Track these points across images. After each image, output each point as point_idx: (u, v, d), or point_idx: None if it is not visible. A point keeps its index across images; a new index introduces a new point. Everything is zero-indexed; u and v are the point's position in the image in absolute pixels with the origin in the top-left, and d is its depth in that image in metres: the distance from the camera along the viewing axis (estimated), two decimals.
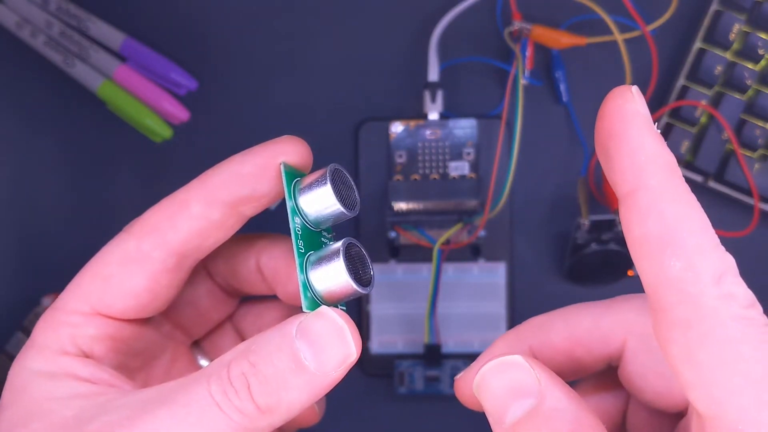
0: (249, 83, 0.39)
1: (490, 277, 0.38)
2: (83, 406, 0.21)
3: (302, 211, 0.23)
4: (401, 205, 0.37)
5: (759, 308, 0.18)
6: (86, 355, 0.23)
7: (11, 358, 0.38)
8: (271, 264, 0.27)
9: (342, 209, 0.22)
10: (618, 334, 0.22)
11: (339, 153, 0.39)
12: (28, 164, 0.40)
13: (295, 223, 0.22)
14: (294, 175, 0.23)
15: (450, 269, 0.38)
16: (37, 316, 0.37)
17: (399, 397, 0.38)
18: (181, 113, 0.39)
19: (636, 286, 0.39)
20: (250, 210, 0.24)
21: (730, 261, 0.18)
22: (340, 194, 0.22)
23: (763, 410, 0.17)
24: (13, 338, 0.38)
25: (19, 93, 0.40)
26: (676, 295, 0.18)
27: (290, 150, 0.23)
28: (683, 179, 0.19)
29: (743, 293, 0.18)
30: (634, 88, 0.19)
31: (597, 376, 0.25)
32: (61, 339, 0.23)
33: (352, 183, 0.23)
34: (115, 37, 0.39)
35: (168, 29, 0.39)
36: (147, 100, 0.38)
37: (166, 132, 0.39)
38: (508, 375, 0.19)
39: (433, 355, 0.37)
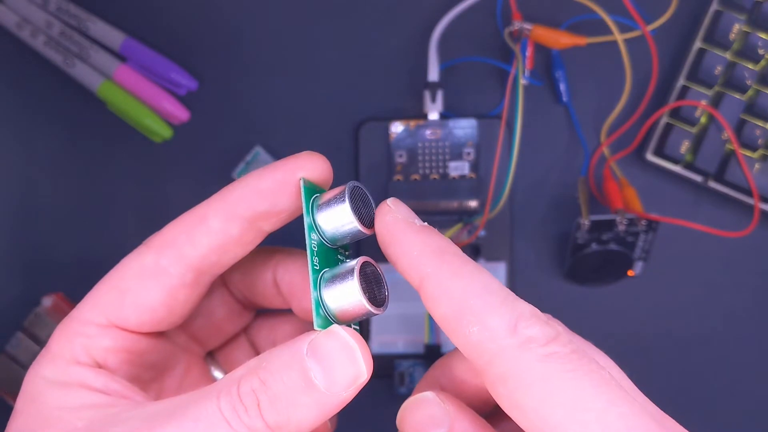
0: (249, 83, 0.39)
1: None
2: (93, 417, 0.21)
3: (319, 227, 0.22)
4: None
5: (561, 339, 0.19)
6: (100, 366, 0.23)
7: (11, 358, 0.38)
8: (287, 278, 0.26)
9: (359, 227, 0.22)
10: None
11: (339, 153, 0.39)
12: (28, 164, 0.40)
13: (311, 240, 0.22)
14: (313, 191, 0.23)
15: None
16: (38, 317, 0.38)
17: (399, 397, 0.38)
18: (181, 113, 0.39)
19: (637, 287, 0.39)
20: (269, 225, 0.24)
21: (521, 308, 0.20)
22: (359, 212, 0.22)
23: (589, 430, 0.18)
24: (13, 338, 0.38)
25: (20, 93, 0.40)
26: (485, 356, 0.19)
27: (310, 166, 0.23)
28: (457, 254, 0.21)
29: (540, 333, 0.19)
30: (390, 201, 0.22)
31: None
32: (75, 349, 0.23)
33: (372, 201, 0.23)
34: (115, 37, 0.39)
35: (168, 29, 0.39)
36: (147, 100, 0.38)
37: (166, 132, 0.39)
38: (422, 410, 0.21)
39: (433, 355, 0.37)
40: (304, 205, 0.22)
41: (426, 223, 0.22)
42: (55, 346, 0.23)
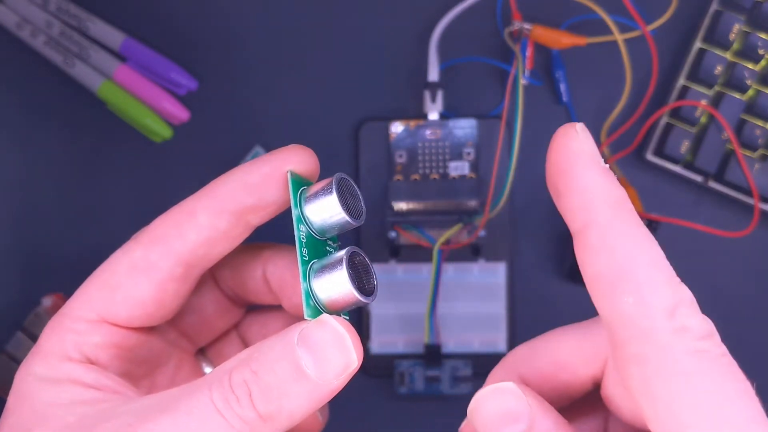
0: (249, 84, 0.39)
1: (490, 277, 0.38)
2: (86, 413, 0.21)
3: (308, 219, 0.23)
4: (401, 205, 0.36)
5: (715, 339, 0.18)
6: (91, 362, 0.23)
7: (11, 358, 0.38)
8: (276, 274, 0.27)
9: (347, 218, 0.22)
10: (599, 355, 0.22)
11: (339, 153, 0.39)
12: (28, 164, 0.40)
13: (299, 232, 0.22)
14: (300, 183, 0.23)
15: (450, 269, 0.38)
16: (38, 317, 0.37)
17: (399, 397, 0.38)
18: (181, 113, 0.39)
19: None
20: (257, 219, 0.24)
21: (684, 293, 0.18)
22: (346, 203, 0.22)
23: None
24: (13, 338, 0.38)
25: (19, 93, 0.40)
26: (631, 331, 0.18)
27: (297, 159, 0.23)
28: (634, 212, 0.19)
29: (698, 325, 0.18)
30: (579, 126, 0.19)
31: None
32: (66, 345, 0.23)
33: (358, 192, 0.23)
34: (115, 37, 0.39)
35: (168, 29, 0.39)
36: (147, 100, 0.38)
37: (166, 132, 0.39)
38: (501, 401, 0.20)
39: (433, 356, 0.37)
40: (291, 197, 0.23)
41: (608, 166, 0.19)
42: (46, 343, 0.23)
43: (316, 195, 0.22)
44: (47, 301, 0.38)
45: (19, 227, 0.40)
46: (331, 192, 0.22)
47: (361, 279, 0.22)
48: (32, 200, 0.40)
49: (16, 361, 0.38)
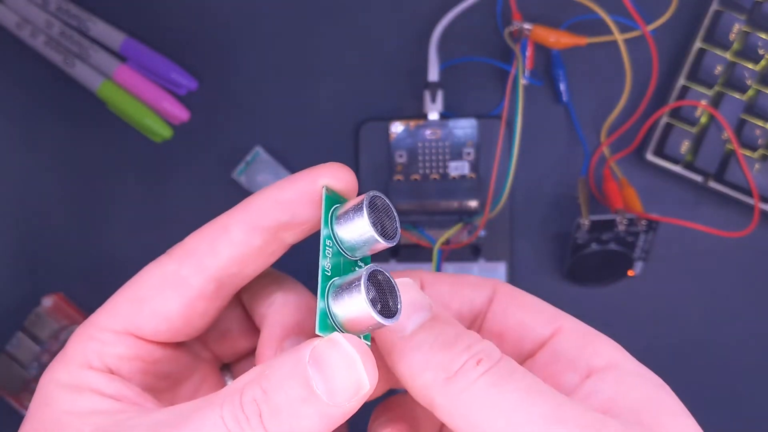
0: (249, 83, 0.39)
1: (490, 277, 0.38)
2: (101, 423, 0.21)
3: (338, 238, 0.22)
4: (401, 205, 0.36)
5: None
6: (112, 372, 0.23)
7: (12, 357, 0.38)
8: (270, 312, 0.26)
9: (377, 238, 0.21)
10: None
11: (339, 153, 0.39)
12: (28, 164, 0.40)
13: (326, 248, 0.21)
14: (335, 200, 0.22)
15: (450, 269, 0.38)
16: (38, 317, 0.38)
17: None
18: (181, 113, 0.39)
19: (637, 287, 0.39)
20: (292, 237, 0.23)
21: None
22: (378, 223, 0.21)
23: None
24: (14, 338, 0.38)
25: (19, 93, 0.40)
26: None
27: (333, 175, 0.23)
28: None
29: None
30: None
31: None
32: (88, 353, 0.23)
33: (393, 211, 0.22)
34: (115, 37, 0.39)
35: (168, 29, 0.39)
36: (147, 100, 0.38)
37: (166, 132, 0.39)
38: (405, 293, 0.22)
39: None
40: (323, 214, 0.22)
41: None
42: (71, 350, 0.23)
43: (346, 213, 0.22)
44: (47, 301, 0.38)
45: (20, 227, 0.40)
46: (361, 210, 0.21)
47: (384, 298, 0.21)
48: (32, 200, 0.40)
49: (17, 361, 0.38)
